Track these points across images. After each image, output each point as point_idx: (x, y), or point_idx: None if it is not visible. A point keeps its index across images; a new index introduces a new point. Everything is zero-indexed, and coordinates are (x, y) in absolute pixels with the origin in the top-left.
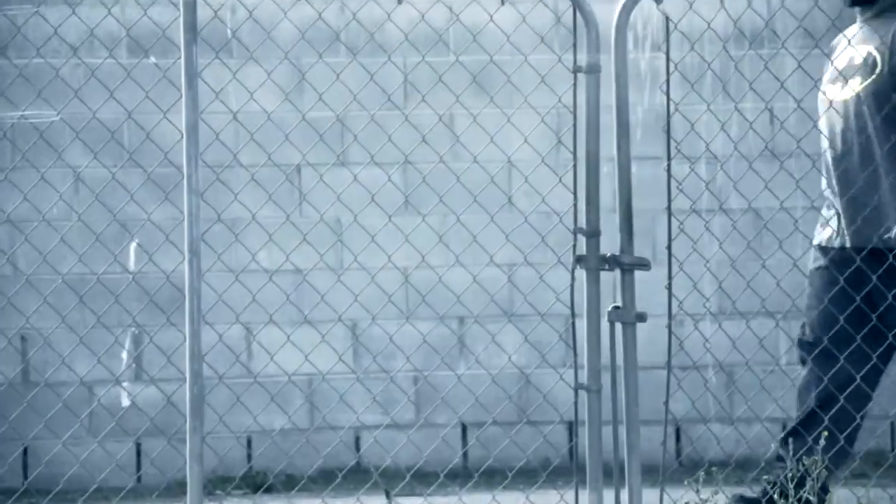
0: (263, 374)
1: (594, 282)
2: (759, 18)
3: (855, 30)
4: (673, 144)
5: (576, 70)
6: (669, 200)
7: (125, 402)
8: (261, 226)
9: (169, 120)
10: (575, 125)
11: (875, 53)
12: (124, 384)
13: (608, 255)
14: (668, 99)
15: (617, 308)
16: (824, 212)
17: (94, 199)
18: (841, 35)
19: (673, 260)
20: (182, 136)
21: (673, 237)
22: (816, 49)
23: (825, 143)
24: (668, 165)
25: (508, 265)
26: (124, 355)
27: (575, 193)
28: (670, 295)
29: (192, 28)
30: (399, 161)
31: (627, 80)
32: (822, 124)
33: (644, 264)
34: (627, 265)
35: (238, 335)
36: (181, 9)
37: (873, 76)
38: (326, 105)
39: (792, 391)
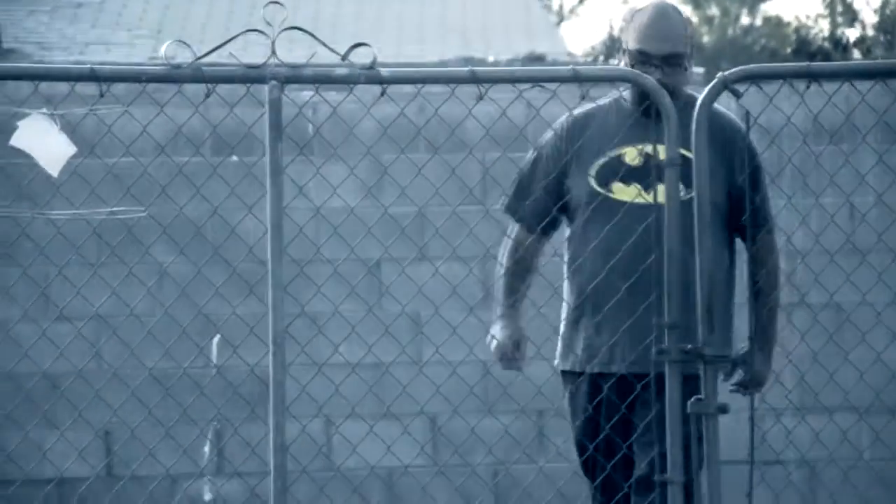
0: (345, 467)
1: (676, 374)
2: (839, 113)
3: None
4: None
5: (656, 164)
6: (751, 294)
7: (207, 495)
8: (343, 318)
9: (254, 215)
10: (657, 218)
11: None
12: (206, 478)
13: (689, 347)
14: (748, 193)
15: (699, 400)
16: None
17: (179, 293)
18: None
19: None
20: (266, 232)
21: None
22: None
23: None
24: (749, 259)
25: None
26: (206, 448)
27: (658, 287)
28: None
29: (276, 126)
30: (479, 255)
31: (707, 174)
32: None
33: (725, 357)
34: (709, 358)
35: (320, 428)
36: (266, 107)
37: None
38: (408, 199)
39: (876, 486)
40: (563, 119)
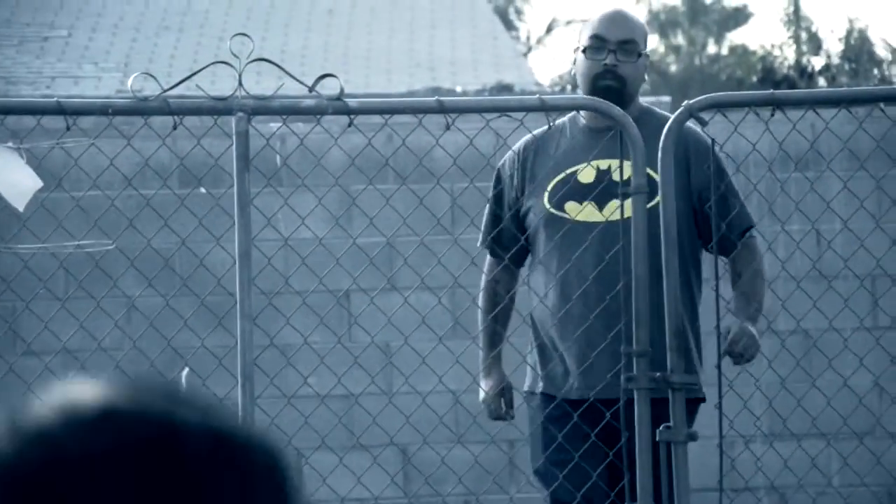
0: (315, 498)
1: (645, 401)
2: (804, 140)
3: None
4: (721, 264)
5: (623, 192)
6: (718, 320)
7: None
8: (313, 350)
9: (222, 247)
10: (623, 246)
11: None
12: None
13: (658, 374)
14: (714, 220)
15: (668, 427)
16: None
17: (147, 326)
18: None
19: (723, 380)
20: (234, 263)
21: (722, 357)
22: (861, 171)
23: None
24: (717, 285)
25: None
26: None
27: (626, 314)
28: (721, 415)
29: (244, 157)
30: (448, 284)
31: (674, 200)
32: None
33: (693, 384)
34: (678, 384)
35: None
36: (234, 139)
37: None
38: (376, 230)
39: None
40: (520, 141)
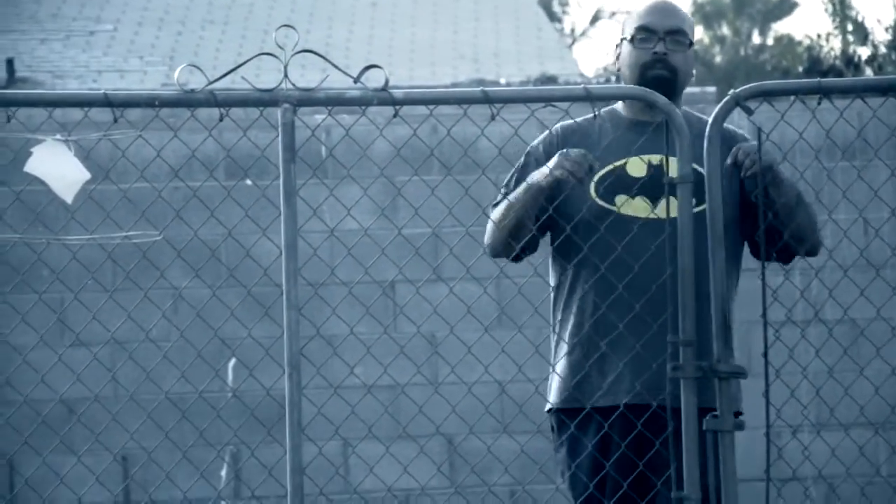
0: (362, 488)
1: (691, 391)
2: (851, 128)
3: None
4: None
5: (668, 181)
6: (765, 310)
7: None
8: (359, 340)
9: (269, 237)
10: (669, 235)
11: None
12: (224, 501)
13: (705, 363)
14: (762, 210)
15: (715, 417)
16: None
17: (194, 316)
18: None
19: (770, 369)
20: (281, 254)
21: (769, 346)
22: None
23: None
24: (763, 275)
25: None
26: (224, 472)
27: (672, 303)
28: (768, 404)
29: (289, 148)
30: (493, 274)
31: (720, 190)
32: None
33: (740, 373)
34: (724, 374)
35: (337, 449)
36: (279, 130)
37: None
38: (422, 220)
39: (893, 501)
40: (556, 126)
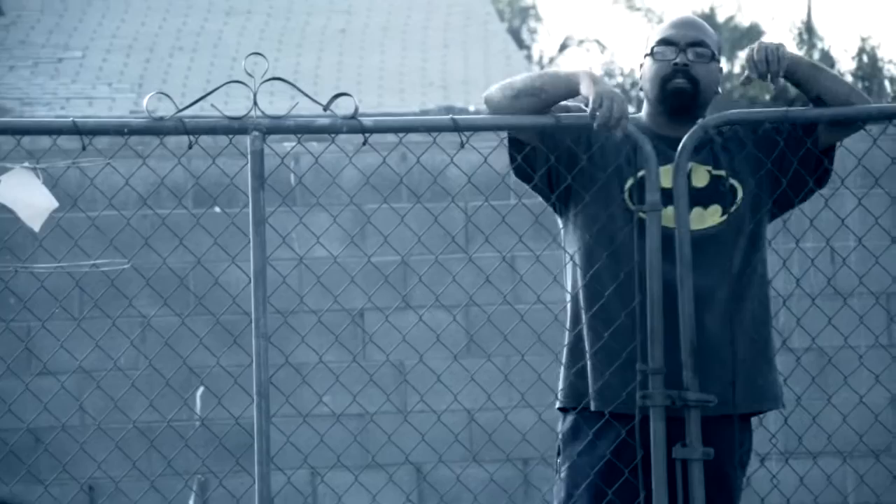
0: None
1: (660, 419)
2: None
3: None
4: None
5: (637, 210)
6: (733, 337)
7: None
8: (328, 368)
9: (237, 265)
10: (637, 265)
11: None
12: None
13: (674, 392)
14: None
15: (683, 445)
16: None
17: (163, 345)
18: None
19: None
20: (250, 282)
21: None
22: (876, 188)
23: None
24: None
25: None
26: (192, 501)
27: (640, 332)
28: (736, 432)
29: (259, 175)
30: (462, 302)
31: (688, 216)
32: None
33: (709, 401)
34: (693, 402)
35: (305, 478)
36: (248, 158)
37: None
38: (391, 248)
39: None
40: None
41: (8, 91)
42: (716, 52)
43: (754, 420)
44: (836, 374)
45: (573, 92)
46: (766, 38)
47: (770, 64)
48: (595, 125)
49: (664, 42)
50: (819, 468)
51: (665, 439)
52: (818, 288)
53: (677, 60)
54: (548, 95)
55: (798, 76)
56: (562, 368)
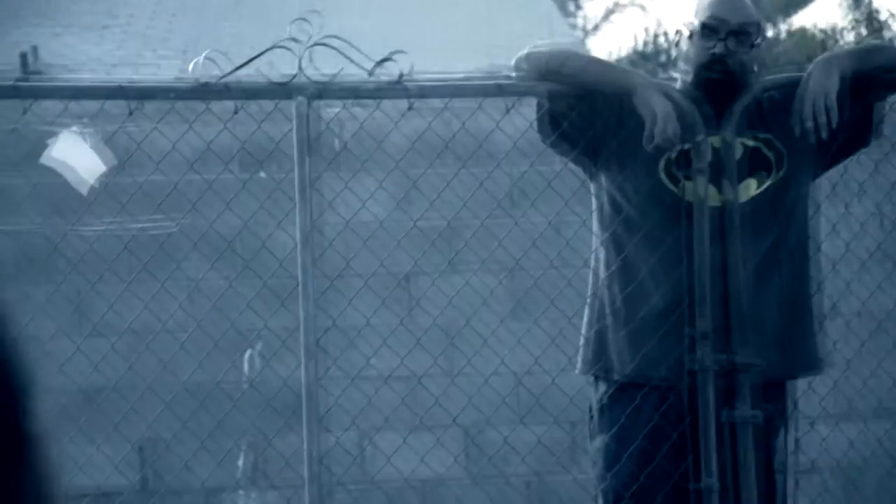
0: (379, 478)
1: (709, 382)
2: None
3: None
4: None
5: (684, 174)
6: (783, 299)
7: None
8: (375, 331)
9: (284, 230)
10: (684, 227)
11: None
12: (240, 492)
13: (721, 356)
14: (777, 198)
15: (733, 408)
16: None
17: (211, 306)
18: None
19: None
20: (296, 245)
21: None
22: None
23: None
24: (779, 264)
25: None
26: (241, 461)
27: (688, 294)
28: (786, 396)
29: (305, 139)
30: (509, 266)
31: (736, 180)
32: None
33: (758, 364)
34: (741, 365)
35: (354, 439)
36: (294, 123)
37: None
38: (438, 212)
39: None
40: (678, 84)
41: (54, 57)
42: (758, 35)
43: (803, 384)
44: (886, 338)
45: (623, 93)
46: (813, 85)
47: (818, 117)
48: (650, 147)
49: (706, 27)
50: (870, 430)
51: (714, 404)
52: (868, 253)
53: (716, 50)
54: (591, 86)
55: (858, 84)
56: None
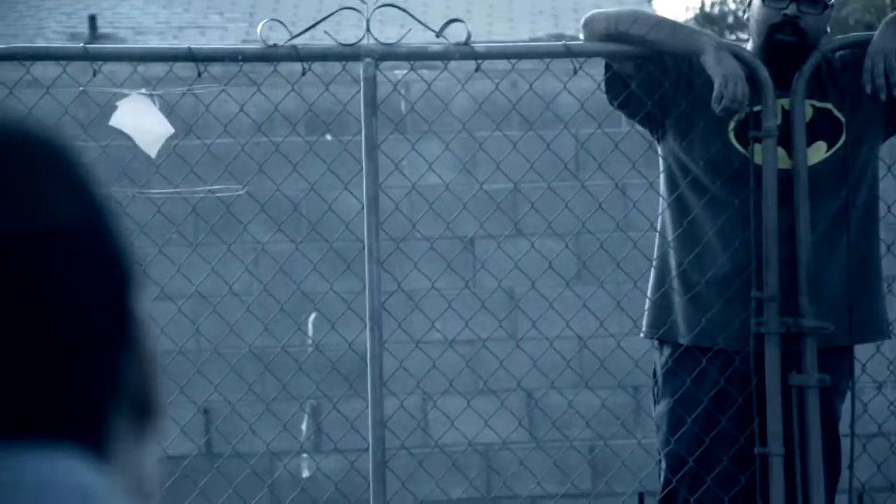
0: (443, 442)
1: (774, 345)
2: None
3: None
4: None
5: (753, 136)
6: (850, 264)
7: (306, 472)
8: (440, 294)
9: (350, 192)
10: (752, 190)
11: None
12: (303, 455)
13: (789, 318)
14: (847, 161)
15: (799, 372)
16: None
17: (277, 271)
18: None
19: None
20: (362, 208)
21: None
22: None
23: None
24: (848, 228)
25: None
26: (305, 425)
27: (754, 257)
28: (852, 359)
29: (371, 102)
30: (574, 230)
31: (805, 144)
32: None
33: (825, 328)
34: (809, 329)
35: (417, 403)
36: (361, 85)
37: None
38: (503, 175)
39: None
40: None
41: (121, 20)
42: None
43: (871, 347)
44: None
45: (691, 54)
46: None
47: (890, 75)
48: (719, 109)
49: None
50: None
51: (780, 367)
52: None
53: (787, 11)
54: (660, 47)
55: None
56: (652, 300)
